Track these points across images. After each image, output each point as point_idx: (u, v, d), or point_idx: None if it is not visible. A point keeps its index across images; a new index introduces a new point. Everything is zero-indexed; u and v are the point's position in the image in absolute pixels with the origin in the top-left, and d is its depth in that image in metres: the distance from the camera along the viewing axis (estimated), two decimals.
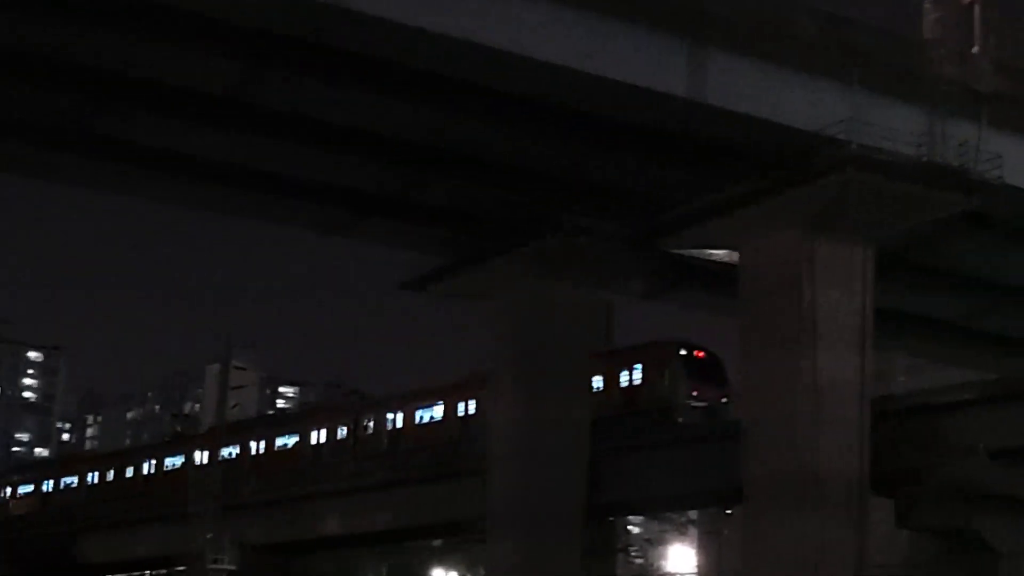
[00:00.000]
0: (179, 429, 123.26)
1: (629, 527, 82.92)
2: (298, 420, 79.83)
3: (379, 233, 50.07)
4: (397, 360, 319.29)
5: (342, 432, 67.94)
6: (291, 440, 71.92)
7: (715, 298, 50.94)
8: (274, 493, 69.32)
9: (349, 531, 65.56)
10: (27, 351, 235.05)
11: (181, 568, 70.93)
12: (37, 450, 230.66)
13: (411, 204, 46.36)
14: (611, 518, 60.95)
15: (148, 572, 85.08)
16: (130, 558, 77.97)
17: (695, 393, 53.58)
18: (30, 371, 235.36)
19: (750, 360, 43.75)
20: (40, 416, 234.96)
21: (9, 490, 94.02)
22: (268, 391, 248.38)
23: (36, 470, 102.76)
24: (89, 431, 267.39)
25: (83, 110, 38.87)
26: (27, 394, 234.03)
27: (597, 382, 54.22)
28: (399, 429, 64.42)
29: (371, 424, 66.38)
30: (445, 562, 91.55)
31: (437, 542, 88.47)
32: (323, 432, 69.17)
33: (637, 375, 54.64)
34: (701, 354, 55.37)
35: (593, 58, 36.34)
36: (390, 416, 65.24)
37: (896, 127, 39.50)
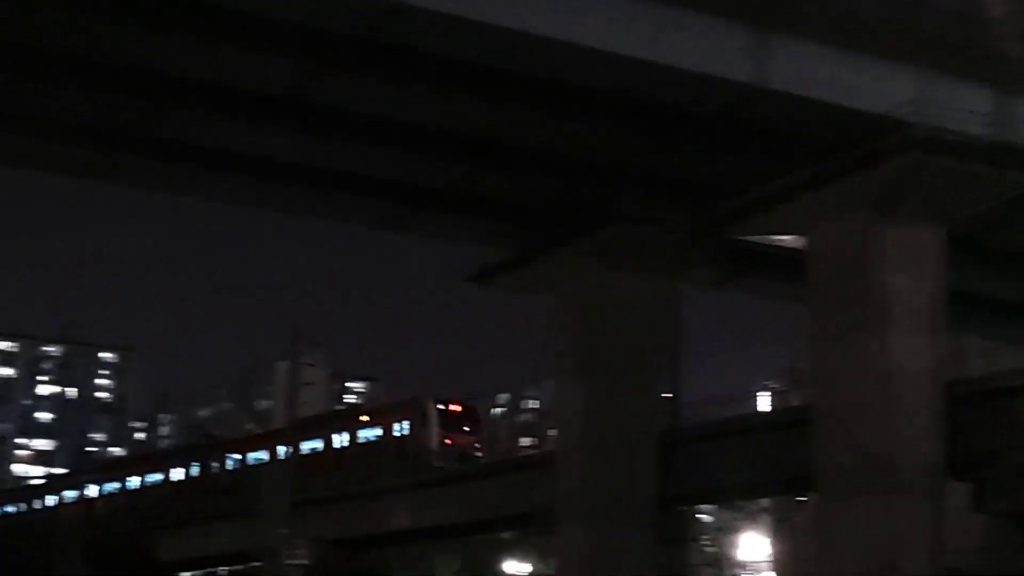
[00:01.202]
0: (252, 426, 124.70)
1: (700, 516, 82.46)
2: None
3: (440, 228, 50.09)
4: (460, 354, 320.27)
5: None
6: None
7: (782, 285, 50.50)
8: (345, 488, 69.65)
9: (419, 525, 65.72)
10: (100, 352, 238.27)
11: (256, 564, 71.52)
12: (112, 450, 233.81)
13: (471, 198, 46.32)
14: (682, 508, 60.64)
15: (223, 568, 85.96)
16: (205, 554, 78.71)
17: (448, 441, 65.19)
18: (103, 372, 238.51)
19: (819, 346, 43.27)
20: (114, 416, 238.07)
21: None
22: (336, 387, 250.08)
23: (112, 469, 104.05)
24: (163, 430, 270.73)
25: (145, 113, 39.18)
26: (101, 394, 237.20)
27: (376, 433, 67.44)
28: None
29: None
30: (517, 554, 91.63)
31: (508, 534, 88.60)
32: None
33: (406, 427, 66.73)
34: (456, 408, 67.39)
35: (656, 46, 36.05)
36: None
37: (964, 107, 38.86)
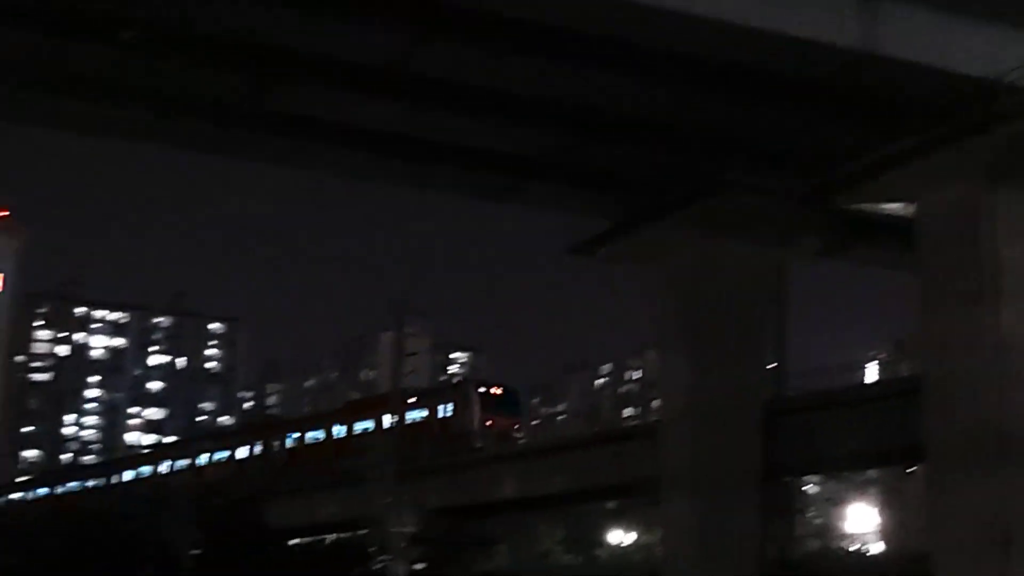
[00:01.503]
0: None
1: (807, 487, 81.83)
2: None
3: (543, 198, 50.10)
4: (562, 324, 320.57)
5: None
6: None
7: (892, 253, 49.75)
8: (450, 458, 70.28)
9: (524, 494, 66.09)
10: (208, 323, 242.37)
11: (362, 531, 72.41)
12: (221, 419, 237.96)
13: (574, 167, 46.25)
14: (788, 478, 60.31)
15: (330, 536, 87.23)
16: (312, 522, 79.90)
17: (489, 423, 68.68)
18: (212, 343, 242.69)
19: (930, 315, 42.64)
20: (223, 386, 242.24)
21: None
22: (440, 357, 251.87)
23: (223, 438, 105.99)
24: (270, 399, 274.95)
25: (254, 86, 39.67)
26: (209, 365, 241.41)
27: (422, 414, 71.46)
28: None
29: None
30: (621, 524, 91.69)
31: (612, 504, 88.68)
32: None
33: (449, 409, 70.74)
34: (497, 391, 71.76)
35: (764, 12, 35.60)
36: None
37: None
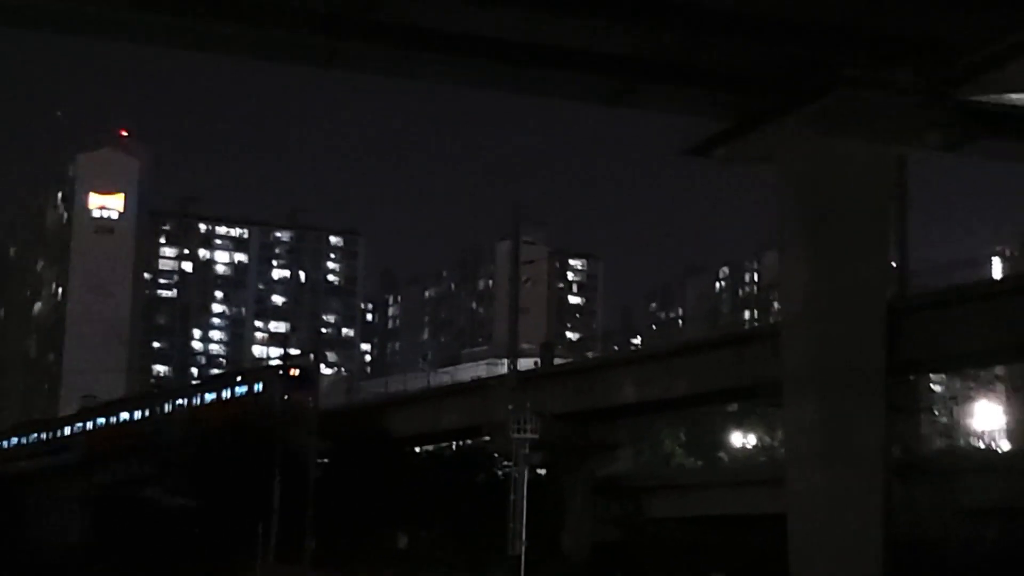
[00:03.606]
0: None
1: (932, 385, 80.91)
2: None
3: (657, 100, 49.44)
4: (680, 228, 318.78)
5: None
6: None
7: (1017, 146, 48.42)
8: (571, 364, 70.67)
9: (644, 398, 66.29)
10: (328, 236, 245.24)
11: (484, 438, 73.38)
12: (344, 331, 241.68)
13: (689, 68, 45.52)
14: (912, 377, 59.65)
15: (453, 443, 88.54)
16: (436, 430, 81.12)
17: (286, 397, 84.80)
18: (332, 255, 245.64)
19: None
20: (344, 298, 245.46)
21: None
22: (557, 264, 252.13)
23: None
24: (390, 311, 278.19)
25: None
26: (331, 278, 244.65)
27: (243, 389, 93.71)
28: None
29: None
30: (742, 427, 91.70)
31: (733, 407, 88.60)
32: None
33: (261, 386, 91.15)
34: (295, 372, 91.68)
35: None
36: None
37: None
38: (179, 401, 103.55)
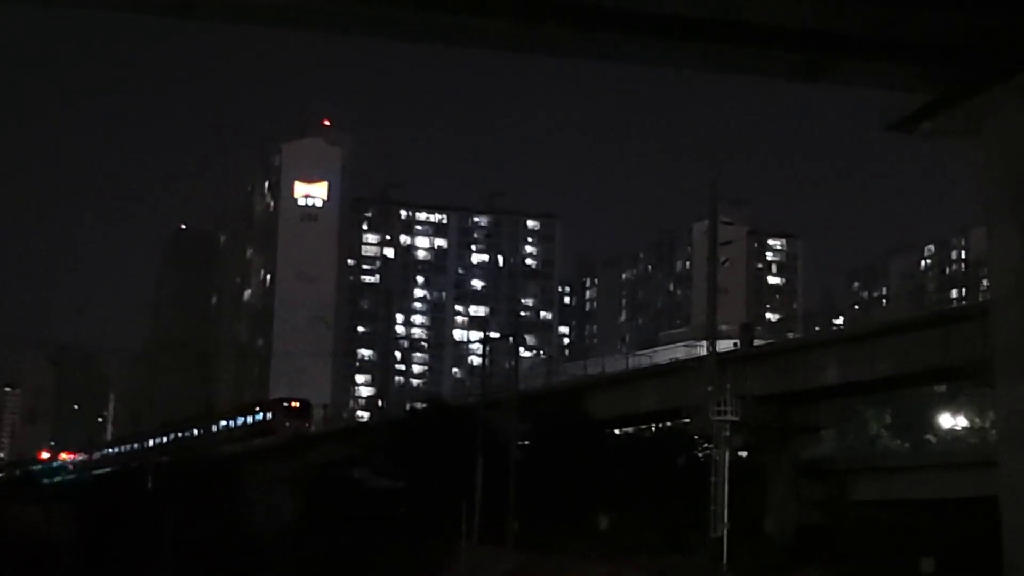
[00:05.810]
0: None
1: None
2: None
3: (856, 75, 48.35)
4: (883, 206, 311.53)
5: None
6: None
7: None
8: (771, 345, 69.80)
9: (847, 380, 65.07)
10: (525, 220, 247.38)
11: (684, 420, 73.07)
12: (542, 314, 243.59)
13: (889, 41, 44.44)
14: None
15: (653, 425, 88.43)
16: (635, 413, 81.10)
17: (288, 424, 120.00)
18: (529, 239, 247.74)
19: None
20: (542, 281, 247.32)
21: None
22: (756, 244, 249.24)
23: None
24: (587, 293, 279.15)
25: None
26: (528, 261, 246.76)
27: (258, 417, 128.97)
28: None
29: None
30: (951, 408, 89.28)
31: (941, 388, 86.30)
32: None
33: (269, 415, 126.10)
34: (295, 404, 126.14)
35: None
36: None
37: None
38: (223, 423, 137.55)
